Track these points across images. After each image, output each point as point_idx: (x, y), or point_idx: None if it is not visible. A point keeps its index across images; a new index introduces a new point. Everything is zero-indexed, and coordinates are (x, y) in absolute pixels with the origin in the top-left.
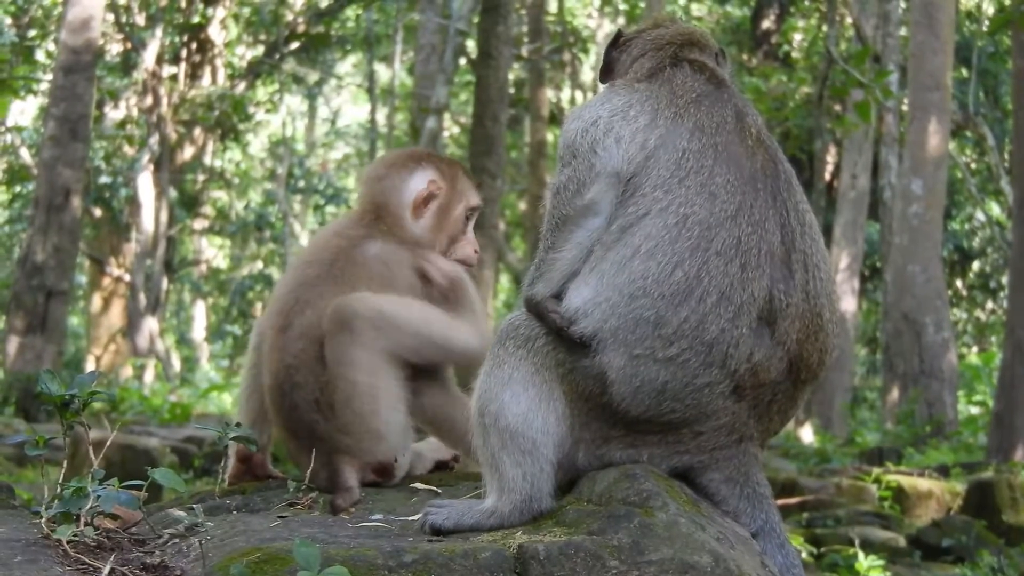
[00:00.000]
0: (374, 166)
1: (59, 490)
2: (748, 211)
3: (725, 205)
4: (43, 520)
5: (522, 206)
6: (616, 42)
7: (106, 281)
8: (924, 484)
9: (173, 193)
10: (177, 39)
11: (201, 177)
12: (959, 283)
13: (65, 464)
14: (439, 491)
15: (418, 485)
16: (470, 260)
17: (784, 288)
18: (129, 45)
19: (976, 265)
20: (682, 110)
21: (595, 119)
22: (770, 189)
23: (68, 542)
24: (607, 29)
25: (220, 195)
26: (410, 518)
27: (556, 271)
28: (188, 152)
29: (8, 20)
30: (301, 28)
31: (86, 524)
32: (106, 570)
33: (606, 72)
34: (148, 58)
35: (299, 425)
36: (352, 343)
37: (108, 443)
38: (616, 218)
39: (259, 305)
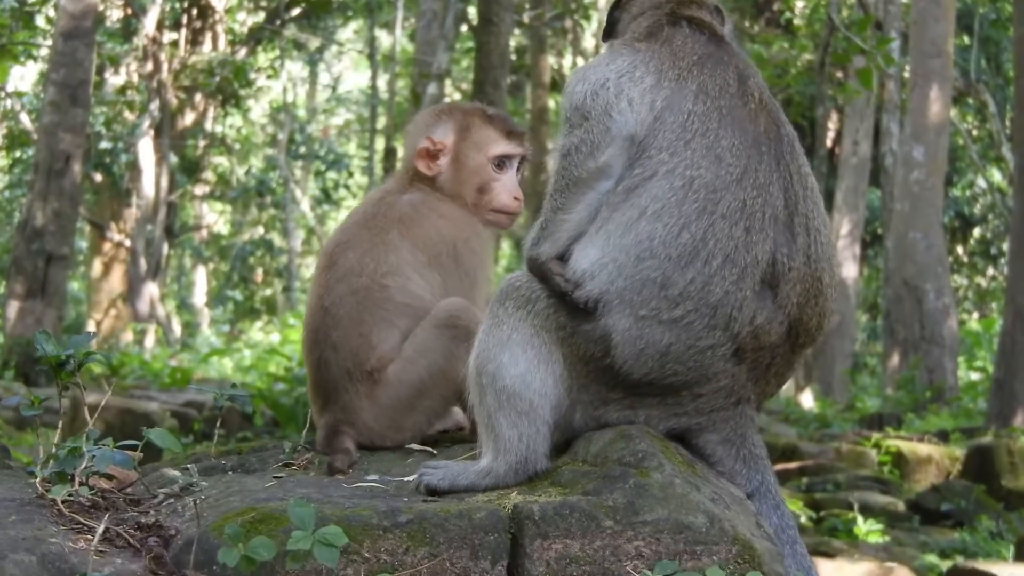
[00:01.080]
0: (414, 119)
1: (54, 450)
2: (753, 174)
3: (730, 168)
4: (38, 480)
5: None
6: (618, 2)
7: (107, 246)
8: (923, 449)
9: (174, 159)
10: (178, 5)
11: (202, 143)
12: (960, 249)
13: (61, 426)
14: (435, 452)
15: (413, 446)
16: (507, 208)
17: (787, 252)
18: (129, 11)
19: (977, 232)
20: (685, 72)
21: (603, 81)
22: (773, 152)
23: (63, 502)
24: None
25: (221, 161)
26: (405, 479)
27: (563, 232)
28: (189, 118)
29: None
30: None
31: (81, 484)
32: (100, 529)
33: (608, 32)
34: (149, 24)
35: (324, 382)
36: (454, 344)
37: (103, 404)
38: (622, 179)
39: (260, 270)
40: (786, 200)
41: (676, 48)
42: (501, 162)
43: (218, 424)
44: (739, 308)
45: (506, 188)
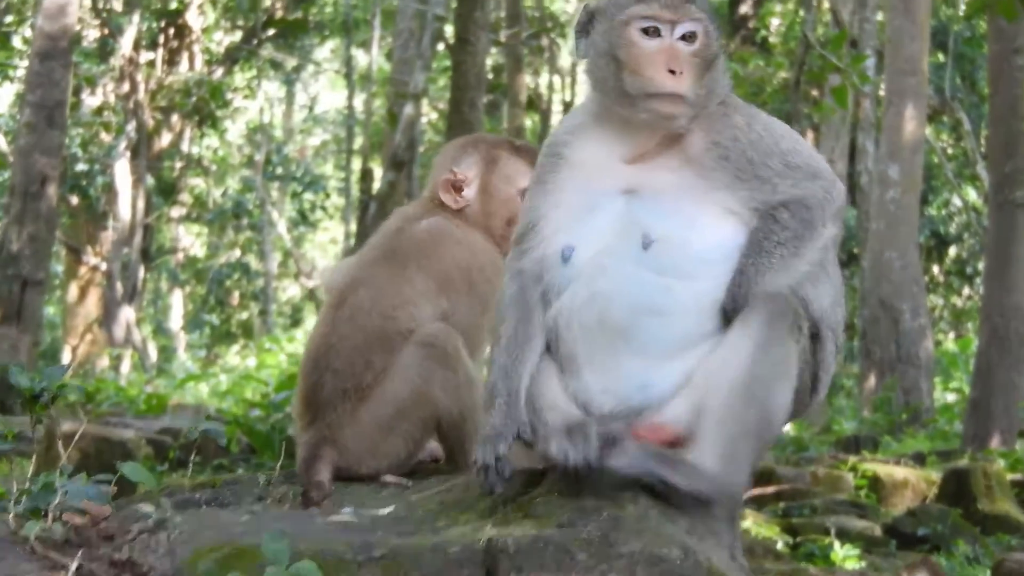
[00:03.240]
0: (443, 148)
1: (28, 484)
2: None
3: None
4: (11, 516)
5: None
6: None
7: (83, 270)
8: (900, 472)
9: (150, 180)
10: (154, 25)
11: (178, 164)
12: (936, 269)
13: (34, 458)
14: (409, 484)
15: (388, 478)
16: None
17: None
18: (106, 31)
19: (953, 251)
20: None
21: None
22: None
23: (36, 538)
24: None
25: (198, 182)
26: (380, 512)
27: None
28: (165, 139)
29: None
30: (279, 14)
31: (54, 520)
32: (73, 567)
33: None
34: (125, 44)
35: (316, 401)
36: (433, 365)
37: (78, 435)
38: None
39: (236, 294)
40: None
41: None
42: None
43: (193, 454)
44: None
45: None
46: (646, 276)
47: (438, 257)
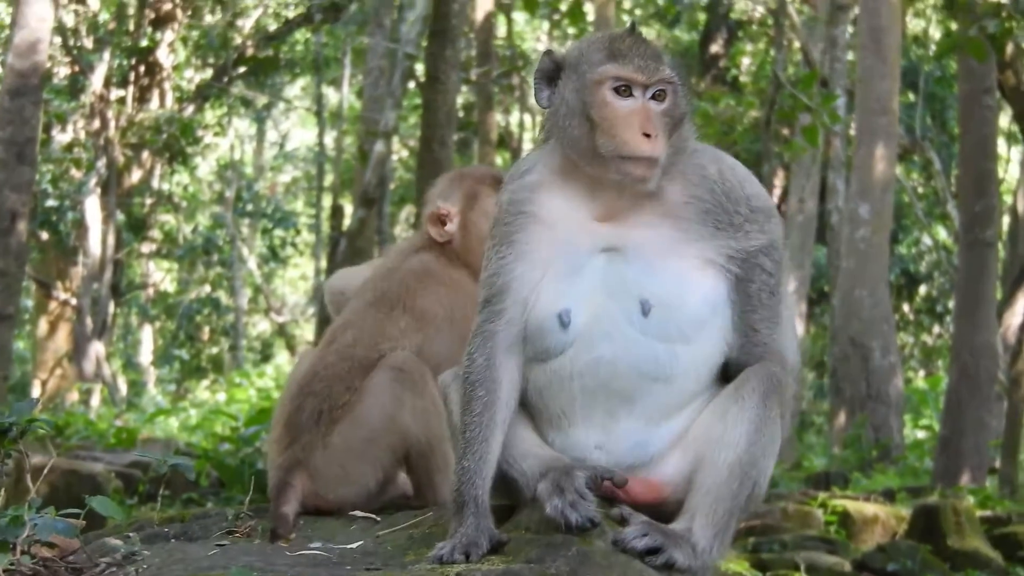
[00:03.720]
0: (436, 182)
1: None
2: None
3: None
4: None
5: None
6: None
7: (53, 305)
8: (870, 509)
9: (120, 216)
10: (125, 62)
11: (149, 200)
12: (906, 307)
13: (2, 492)
14: (378, 519)
15: (357, 513)
16: None
17: None
18: (77, 68)
19: (923, 289)
20: None
21: None
22: None
23: (4, 571)
24: None
25: (168, 218)
26: (348, 546)
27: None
28: (136, 175)
29: None
30: (250, 51)
31: (23, 553)
32: None
33: None
34: (96, 81)
35: (295, 424)
36: (401, 389)
37: (47, 469)
38: None
39: (206, 329)
40: None
41: None
42: None
43: (162, 488)
44: None
45: None
46: (651, 344)
47: (424, 299)
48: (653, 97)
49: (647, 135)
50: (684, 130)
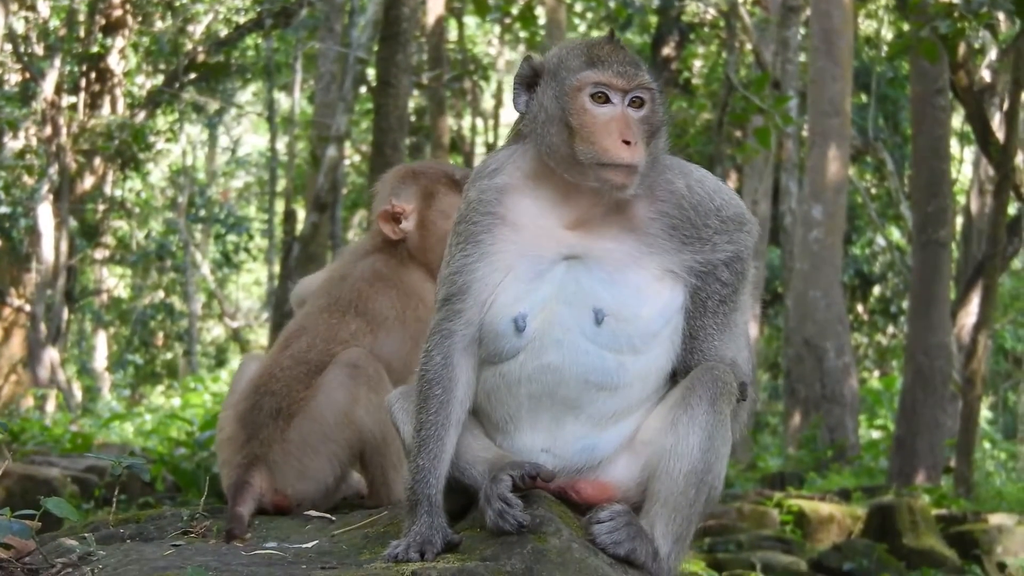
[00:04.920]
0: (383, 177)
1: None
2: None
3: None
4: None
5: None
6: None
7: (6, 312)
8: (825, 508)
9: (73, 223)
10: (76, 69)
11: (102, 207)
12: (860, 308)
13: None
14: (332, 518)
15: (312, 513)
16: None
17: None
18: (28, 75)
19: (877, 290)
20: None
21: None
22: None
23: None
24: (507, 57)
25: (121, 225)
26: (304, 545)
27: None
28: (88, 182)
29: None
30: (201, 57)
31: None
32: None
33: None
34: (47, 88)
35: (251, 421)
36: (355, 385)
37: (1, 472)
38: None
39: (160, 334)
40: None
41: None
42: None
43: (116, 491)
44: None
45: None
46: (600, 353)
47: (376, 303)
48: (631, 104)
49: (626, 142)
50: (661, 141)
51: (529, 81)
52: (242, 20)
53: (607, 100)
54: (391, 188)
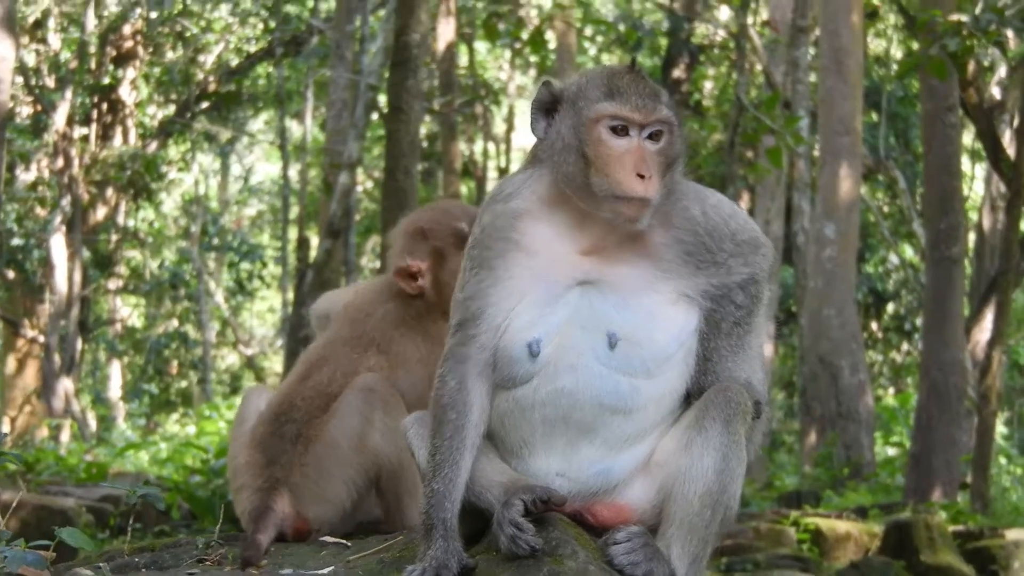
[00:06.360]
0: (396, 229)
1: None
2: None
3: None
4: None
5: None
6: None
7: (20, 343)
8: (842, 526)
9: (86, 253)
10: (88, 100)
11: (115, 237)
12: (874, 325)
13: None
14: (348, 544)
15: (327, 539)
16: None
17: None
18: (39, 107)
19: (891, 307)
20: None
21: None
22: None
23: None
24: (518, 82)
25: (134, 254)
26: (319, 572)
27: None
28: (101, 212)
29: None
30: (212, 87)
31: None
32: None
33: None
34: (59, 120)
35: (269, 446)
36: (370, 409)
37: (16, 502)
38: None
39: (175, 363)
40: None
41: None
42: None
43: (132, 520)
44: None
45: None
46: (614, 377)
47: (397, 343)
48: (650, 137)
49: (641, 176)
50: (677, 172)
51: (548, 106)
52: (253, 49)
53: (625, 132)
54: (404, 245)
